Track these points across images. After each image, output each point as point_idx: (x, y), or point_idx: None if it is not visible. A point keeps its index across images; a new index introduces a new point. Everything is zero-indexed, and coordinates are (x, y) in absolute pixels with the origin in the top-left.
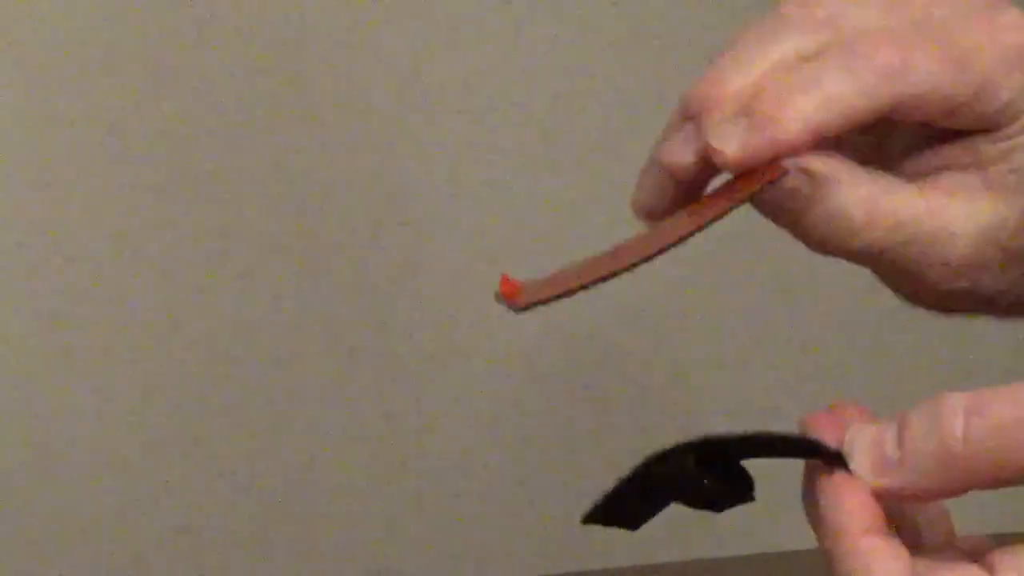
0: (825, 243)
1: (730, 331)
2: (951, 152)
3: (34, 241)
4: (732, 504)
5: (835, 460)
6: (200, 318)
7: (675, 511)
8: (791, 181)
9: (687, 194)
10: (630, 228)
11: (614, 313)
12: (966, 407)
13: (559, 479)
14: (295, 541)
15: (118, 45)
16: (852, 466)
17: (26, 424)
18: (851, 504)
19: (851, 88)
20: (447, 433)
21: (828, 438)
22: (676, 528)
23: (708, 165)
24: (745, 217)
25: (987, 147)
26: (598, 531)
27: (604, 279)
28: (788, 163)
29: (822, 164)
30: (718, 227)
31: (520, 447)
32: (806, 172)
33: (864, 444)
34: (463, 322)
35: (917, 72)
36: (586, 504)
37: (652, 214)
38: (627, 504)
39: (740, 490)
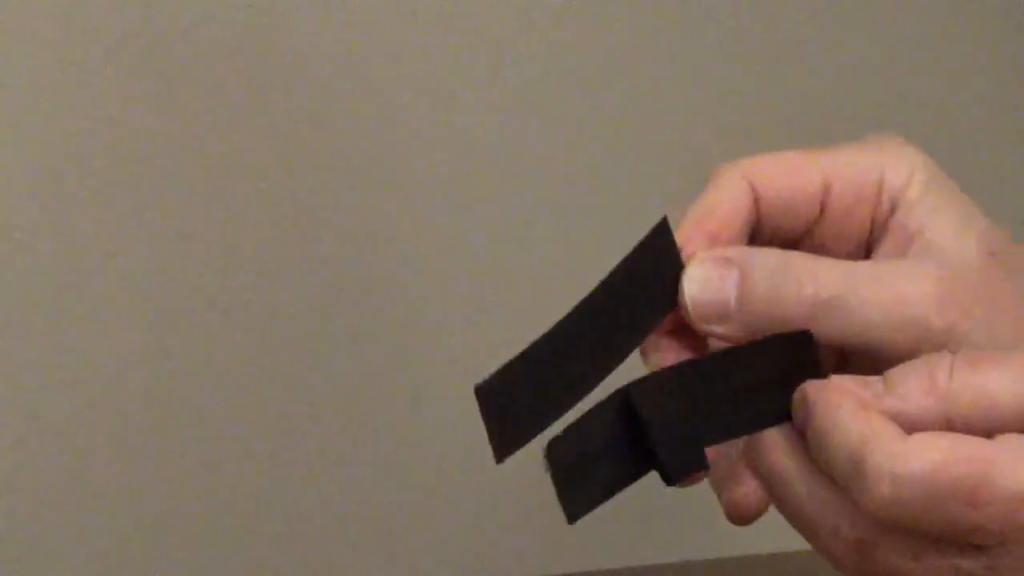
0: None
1: None
2: None
3: (34, 241)
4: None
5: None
6: (197, 318)
7: (676, 512)
8: None
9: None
10: (630, 228)
11: None
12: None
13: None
14: (292, 541)
15: (118, 45)
16: (687, 303)
17: (25, 424)
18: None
19: None
20: (446, 432)
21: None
22: (676, 528)
23: None
24: None
25: None
26: (598, 531)
27: None
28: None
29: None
30: None
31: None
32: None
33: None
34: (463, 322)
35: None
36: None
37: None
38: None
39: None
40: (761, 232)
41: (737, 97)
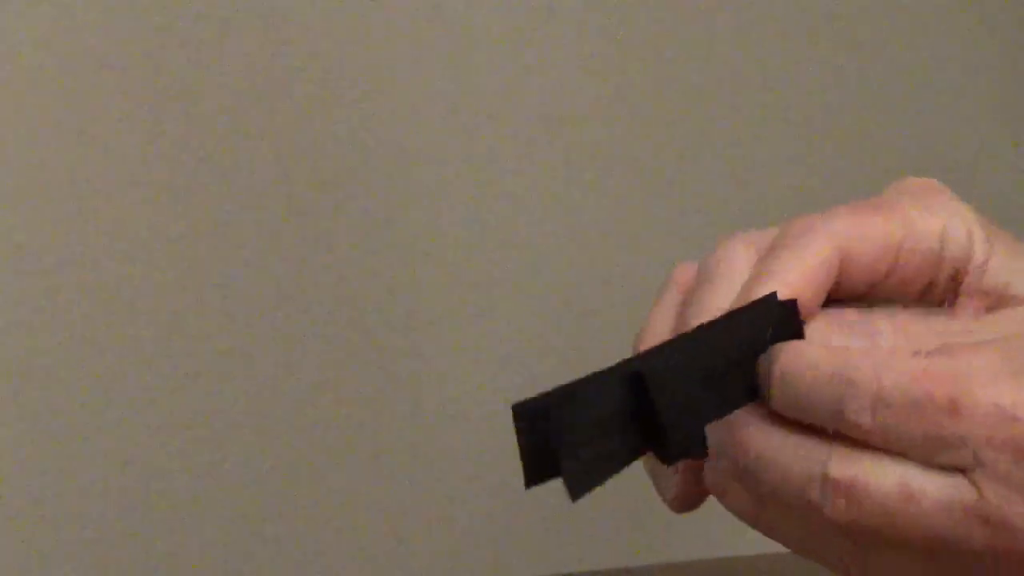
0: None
1: None
2: None
3: (34, 241)
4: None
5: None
6: (196, 319)
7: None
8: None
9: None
10: (630, 229)
11: (615, 312)
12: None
13: (559, 479)
14: (291, 541)
15: (119, 45)
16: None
17: (25, 423)
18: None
19: None
20: (446, 433)
21: None
22: (676, 528)
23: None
24: (747, 217)
25: None
26: (598, 531)
27: None
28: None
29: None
30: (719, 226)
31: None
32: None
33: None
34: (463, 322)
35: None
36: (585, 504)
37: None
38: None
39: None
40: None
41: (739, 97)
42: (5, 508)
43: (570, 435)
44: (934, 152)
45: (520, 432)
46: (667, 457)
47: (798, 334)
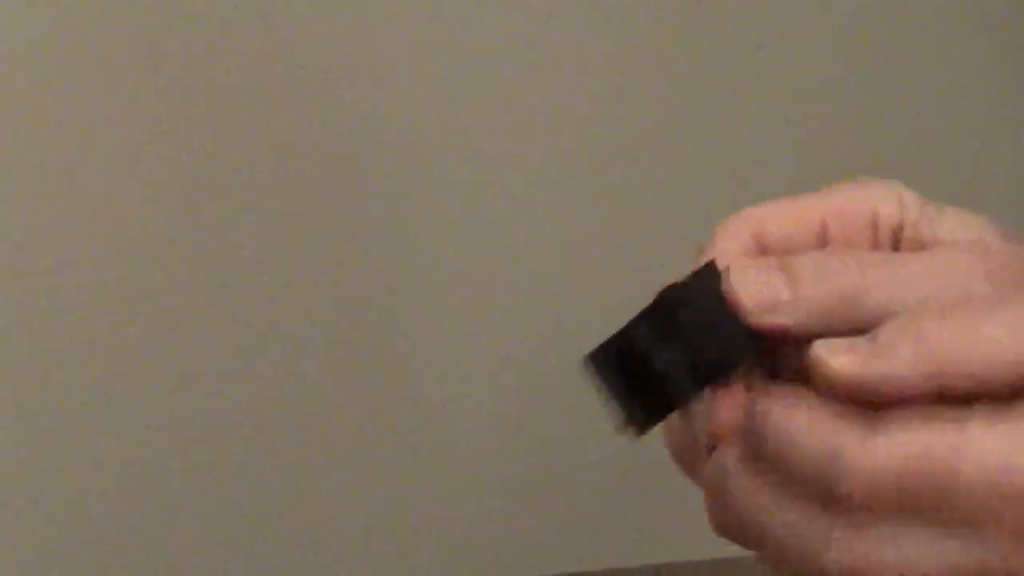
0: None
1: None
2: None
3: (34, 241)
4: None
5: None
6: (196, 320)
7: (675, 512)
8: None
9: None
10: (630, 228)
11: (615, 314)
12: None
13: (559, 479)
14: (291, 541)
15: (119, 45)
16: (742, 299)
17: (24, 423)
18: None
19: None
20: (446, 433)
21: None
22: (676, 528)
23: None
24: None
25: None
26: (598, 531)
27: None
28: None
29: None
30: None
31: (520, 447)
32: None
33: (751, 280)
34: (462, 322)
35: None
36: (585, 504)
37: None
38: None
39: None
40: None
41: (732, 93)
42: (5, 508)
43: (626, 375)
44: (935, 151)
45: (601, 382)
46: (708, 374)
47: (716, 281)
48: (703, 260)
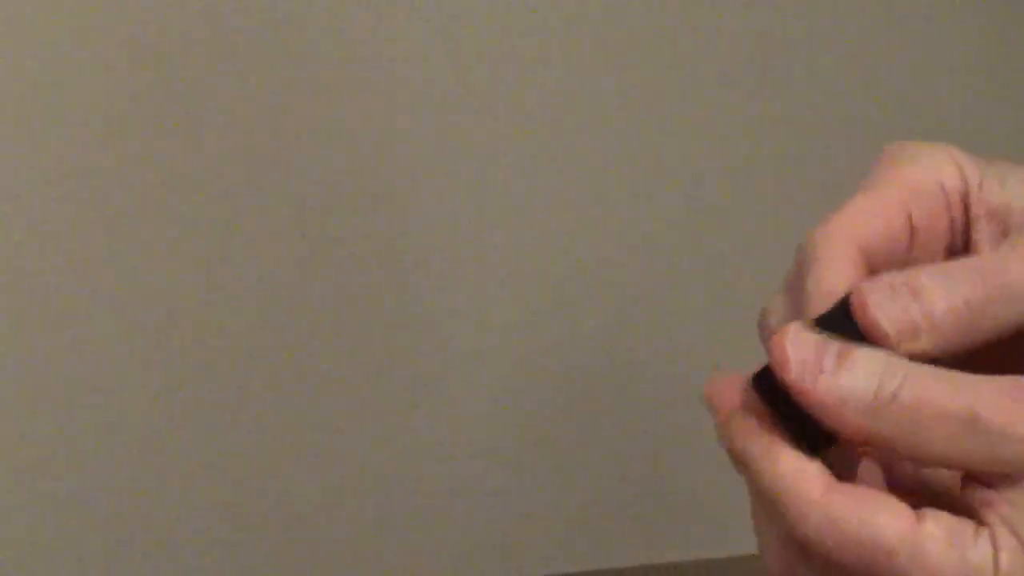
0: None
1: (731, 334)
2: None
3: (34, 241)
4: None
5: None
6: (196, 321)
7: (675, 512)
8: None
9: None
10: (631, 227)
11: (615, 314)
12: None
13: (559, 479)
14: (290, 541)
15: (120, 45)
16: (885, 328)
17: (24, 423)
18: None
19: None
20: (446, 433)
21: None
22: (676, 528)
23: None
24: (745, 220)
25: None
26: (598, 531)
27: None
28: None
29: None
30: (719, 232)
31: (520, 447)
32: None
33: (887, 309)
34: (463, 322)
35: None
36: (586, 504)
37: None
38: None
39: None
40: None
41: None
42: (5, 508)
43: None
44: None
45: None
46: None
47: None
48: (815, 286)
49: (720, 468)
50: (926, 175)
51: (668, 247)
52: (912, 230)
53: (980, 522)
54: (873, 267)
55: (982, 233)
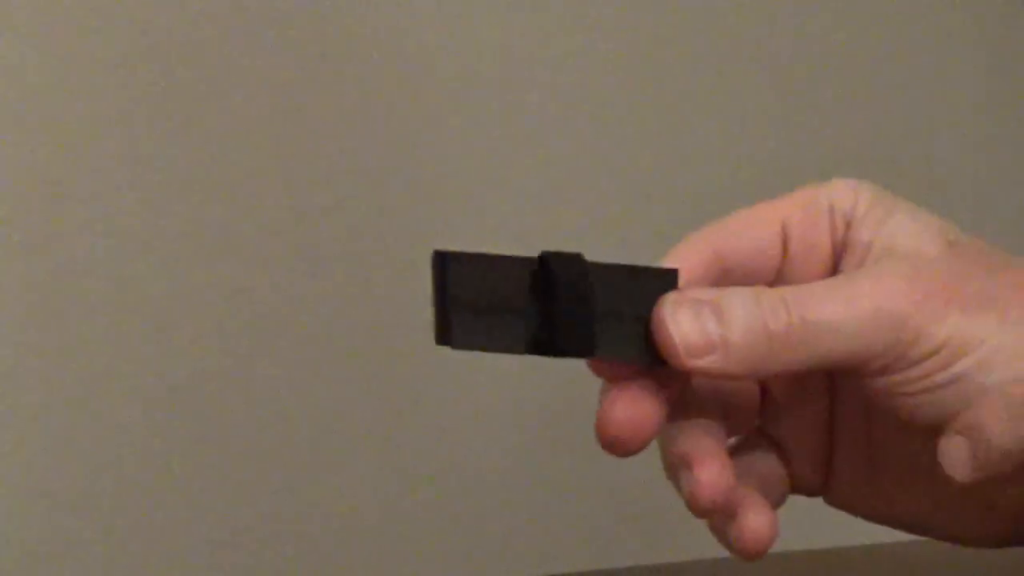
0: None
1: None
2: None
3: (35, 241)
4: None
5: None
6: (197, 322)
7: (675, 512)
8: None
9: None
10: (631, 227)
11: None
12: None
13: (559, 479)
14: (290, 541)
15: (121, 45)
16: (674, 339)
17: (24, 423)
18: None
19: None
20: (446, 433)
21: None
22: (676, 528)
23: None
24: None
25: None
26: (598, 531)
27: None
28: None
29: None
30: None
31: (520, 447)
32: None
33: (684, 325)
34: None
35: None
36: (586, 504)
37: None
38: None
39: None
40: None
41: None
42: (5, 508)
43: (472, 292)
44: (936, 152)
45: (435, 280)
46: (556, 347)
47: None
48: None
49: None
50: (819, 194)
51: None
52: (786, 243)
53: None
54: (733, 274)
55: (847, 261)
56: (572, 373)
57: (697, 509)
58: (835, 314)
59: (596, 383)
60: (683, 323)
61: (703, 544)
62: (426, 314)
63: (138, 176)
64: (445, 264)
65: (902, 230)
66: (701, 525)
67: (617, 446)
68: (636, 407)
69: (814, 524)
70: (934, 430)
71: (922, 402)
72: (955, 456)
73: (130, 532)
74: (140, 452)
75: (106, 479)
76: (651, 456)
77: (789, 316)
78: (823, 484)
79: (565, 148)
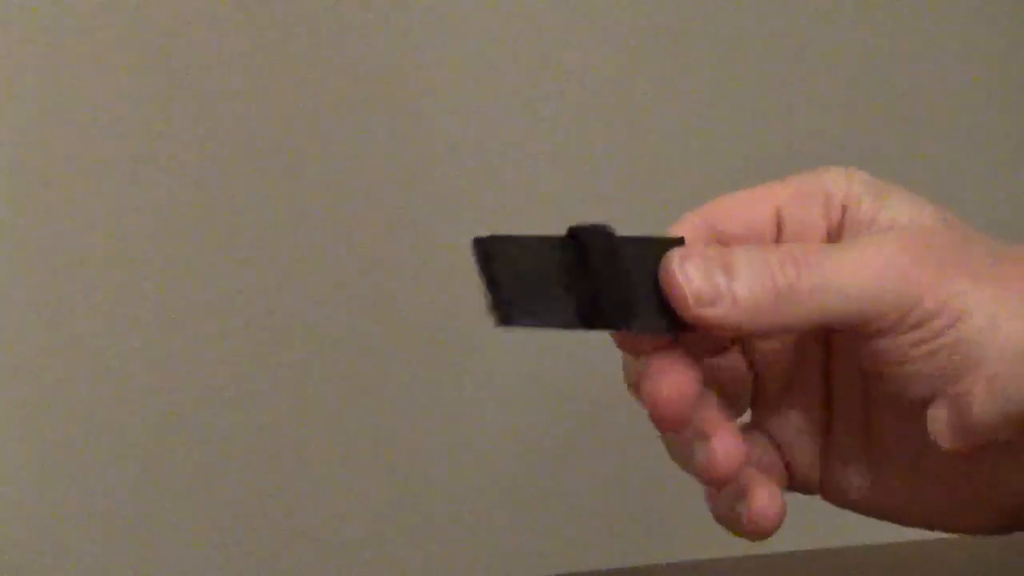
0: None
1: None
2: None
3: (35, 241)
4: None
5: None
6: (198, 322)
7: (676, 512)
8: None
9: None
10: (631, 227)
11: None
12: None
13: (559, 479)
14: (289, 540)
15: (121, 45)
16: (684, 288)
17: (24, 424)
18: None
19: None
20: (447, 434)
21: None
22: (676, 528)
23: None
24: None
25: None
26: (598, 531)
27: None
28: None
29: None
30: None
31: (520, 447)
32: None
33: (693, 275)
34: (462, 323)
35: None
36: (586, 504)
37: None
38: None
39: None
40: None
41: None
42: (5, 508)
43: (516, 271)
44: (936, 151)
45: (480, 266)
46: (601, 320)
47: None
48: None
49: None
50: (814, 179)
51: None
52: (780, 226)
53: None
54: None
55: (847, 240)
56: (573, 371)
57: (712, 478)
58: (842, 271)
59: (596, 383)
60: (691, 272)
61: (703, 544)
62: (426, 314)
63: (138, 176)
64: (487, 248)
65: (901, 209)
66: (701, 526)
67: (666, 423)
68: (681, 379)
69: (814, 524)
70: (926, 404)
71: (916, 371)
72: (940, 420)
73: (130, 532)
74: (140, 452)
75: (106, 479)
76: (652, 456)
77: (797, 270)
78: (820, 479)
79: (565, 147)
